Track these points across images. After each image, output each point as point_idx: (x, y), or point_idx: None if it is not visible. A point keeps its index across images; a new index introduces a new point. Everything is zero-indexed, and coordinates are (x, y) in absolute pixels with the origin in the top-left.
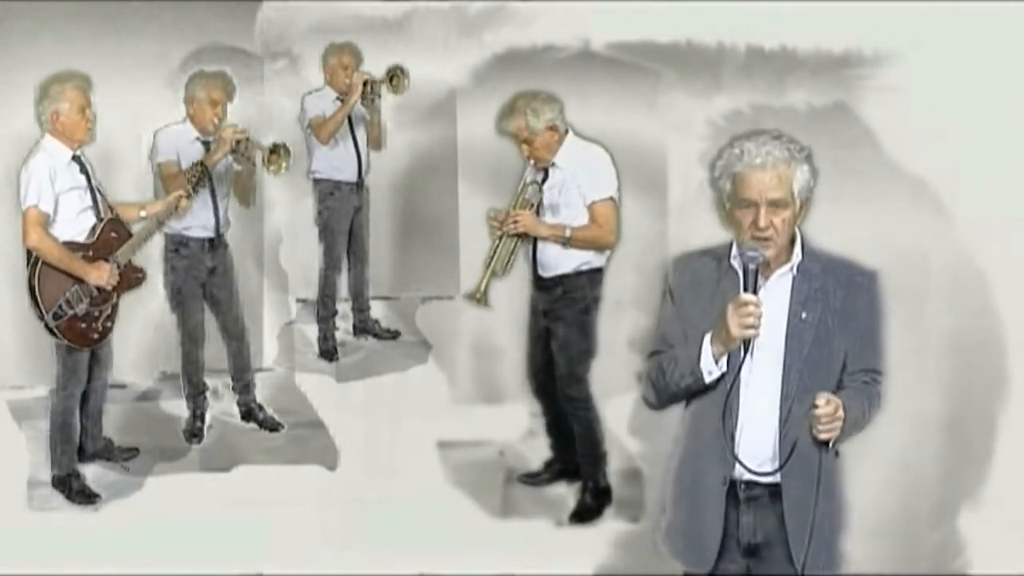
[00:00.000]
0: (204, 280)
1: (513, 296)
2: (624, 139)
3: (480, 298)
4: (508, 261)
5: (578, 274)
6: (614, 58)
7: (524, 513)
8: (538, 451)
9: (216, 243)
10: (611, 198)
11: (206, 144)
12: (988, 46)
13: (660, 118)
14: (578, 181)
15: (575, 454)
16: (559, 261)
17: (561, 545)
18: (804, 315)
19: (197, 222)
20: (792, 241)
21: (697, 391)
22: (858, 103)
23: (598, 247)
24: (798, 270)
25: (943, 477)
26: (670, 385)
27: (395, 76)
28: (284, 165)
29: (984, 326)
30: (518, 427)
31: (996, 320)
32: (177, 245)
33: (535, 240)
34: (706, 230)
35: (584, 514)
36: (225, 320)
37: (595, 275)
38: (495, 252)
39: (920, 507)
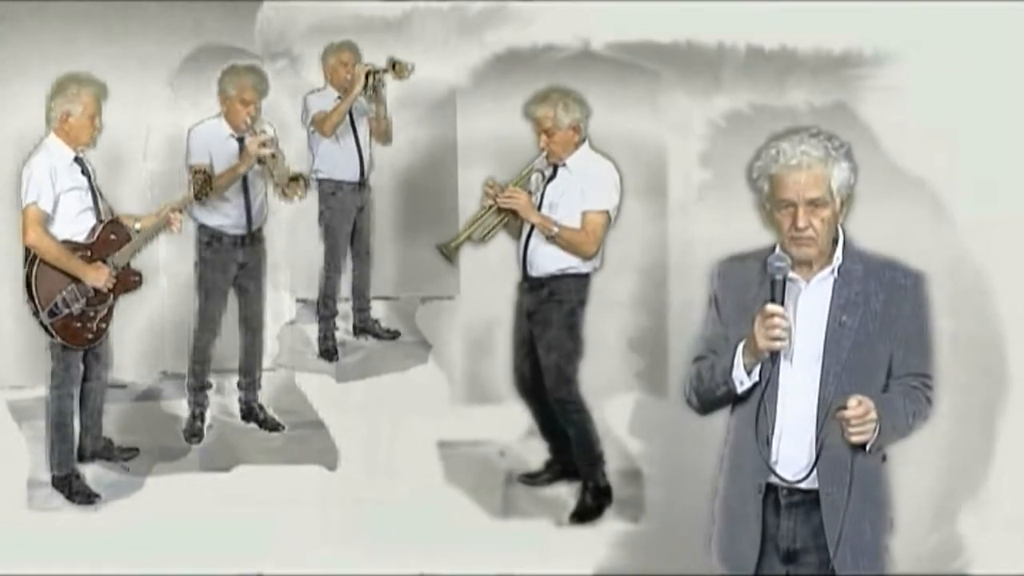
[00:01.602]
0: (234, 274)
1: (512, 297)
2: (624, 139)
3: (450, 253)
4: (488, 232)
5: (565, 276)
6: (614, 58)
7: (524, 513)
8: (538, 451)
9: (249, 239)
10: (606, 212)
11: (240, 141)
12: (988, 46)
13: (660, 118)
14: (581, 187)
15: (572, 455)
16: (548, 261)
17: (561, 545)
18: (844, 319)
19: (229, 220)
20: (835, 241)
21: (734, 399)
22: (858, 103)
23: (578, 253)
24: (839, 272)
25: (943, 477)
26: (708, 393)
27: (397, 63)
28: (300, 195)
29: (984, 326)
30: (518, 427)
31: (996, 320)
32: (210, 238)
33: (528, 239)
34: (706, 230)
35: (584, 514)
36: (247, 312)
37: (582, 279)
38: (479, 218)
39: (920, 507)
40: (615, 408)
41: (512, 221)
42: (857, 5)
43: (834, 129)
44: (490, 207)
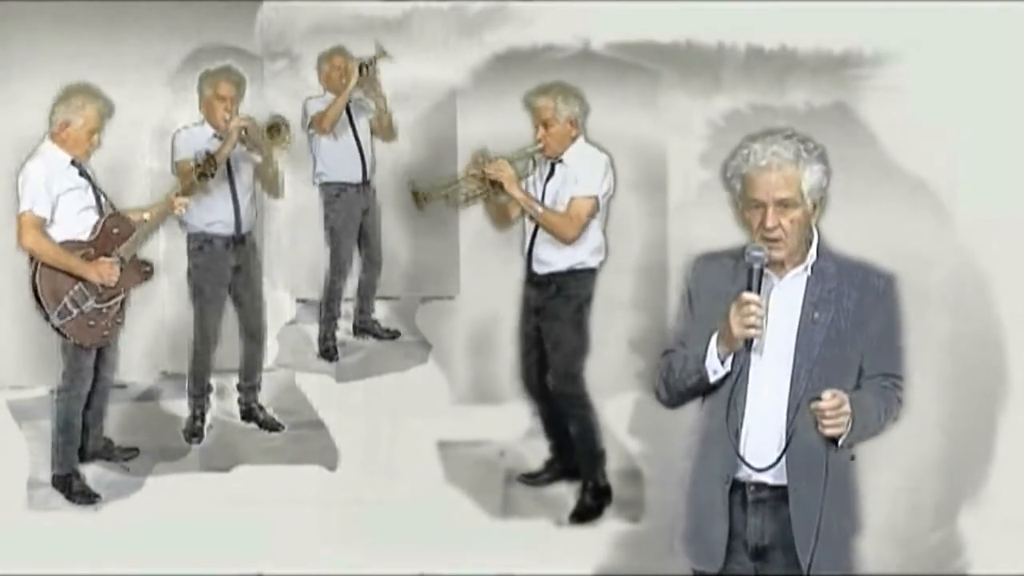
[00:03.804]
0: (229, 280)
1: (512, 296)
2: (624, 139)
3: (419, 199)
4: (465, 199)
5: (572, 272)
6: (614, 58)
7: (524, 513)
8: (538, 451)
9: (239, 241)
10: (593, 198)
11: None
12: (988, 46)
13: (660, 118)
14: (575, 176)
15: (574, 454)
16: (554, 259)
17: (561, 545)
18: (816, 315)
19: (217, 218)
20: (809, 241)
21: (705, 390)
22: (858, 103)
23: (558, 235)
24: (812, 270)
25: (943, 477)
26: (678, 383)
27: (381, 48)
28: (287, 139)
29: (984, 326)
30: (518, 427)
31: (996, 320)
32: (201, 243)
33: (533, 237)
34: (706, 230)
35: (584, 514)
36: (247, 320)
37: (588, 274)
38: (457, 182)
39: (920, 507)
40: (615, 408)
41: (492, 198)
42: (857, 5)
43: (834, 129)
44: (474, 175)
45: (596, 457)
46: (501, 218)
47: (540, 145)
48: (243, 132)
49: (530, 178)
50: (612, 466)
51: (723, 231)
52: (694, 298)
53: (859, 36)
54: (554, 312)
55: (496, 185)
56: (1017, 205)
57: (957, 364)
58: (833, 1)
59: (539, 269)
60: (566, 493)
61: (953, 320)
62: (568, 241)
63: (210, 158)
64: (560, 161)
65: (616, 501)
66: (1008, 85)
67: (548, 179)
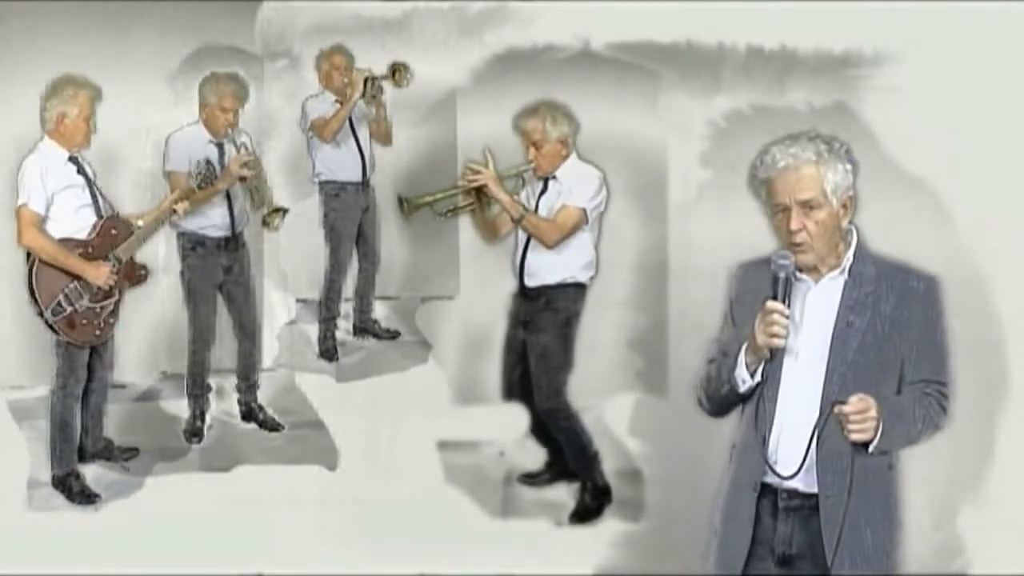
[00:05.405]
0: (220, 280)
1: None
2: (624, 139)
3: (407, 210)
4: (451, 210)
5: (562, 287)
6: (614, 58)
7: (524, 513)
8: (538, 451)
9: (232, 242)
10: (582, 210)
11: (219, 146)
12: (988, 46)
13: (660, 118)
14: (568, 189)
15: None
16: (545, 271)
17: (561, 545)
18: (852, 319)
19: (211, 221)
20: (847, 244)
21: (739, 399)
22: (858, 103)
23: (539, 238)
24: (849, 274)
25: (943, 477)
26: (715, 393)
27: (397, 70)
28: (277, 227)
29: (984, 326)
30: (518, 427)
31: (996, 320)
32: (194, 244)
33: (525, 249)
34: (706, 230)
35: (584, 514)
36: (240, 319)
37: (578, 289)
38: (446, 192)
39: (920, 507)
40: (615, 408)
41: (480, 209)
42: (857, 5)
43: (834, 129)
44: (460, 186)
45: (589, 461)
46: (489, 233)
47: (531, 165)
48: (241, 179)
49: (523, 193)
50: (612, 466)
51: (723, 231)
52: (735, 306)
53: (859, 36)
54: (541, 325)
55: (481, 193)
56: (1017, 205)
57: (957, 364)
58: (833, 1)
59: (530, 282)
60: (566, 493)
61: (953, 320)
62: (548, 246)
63: (209, 165)
64: (553, 178)
65: (616, 501)
66: (1008, 85)
67: (541, 194)
